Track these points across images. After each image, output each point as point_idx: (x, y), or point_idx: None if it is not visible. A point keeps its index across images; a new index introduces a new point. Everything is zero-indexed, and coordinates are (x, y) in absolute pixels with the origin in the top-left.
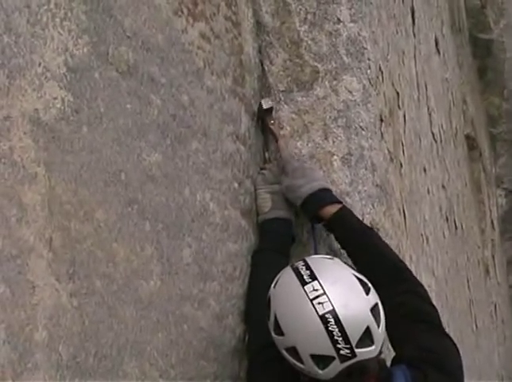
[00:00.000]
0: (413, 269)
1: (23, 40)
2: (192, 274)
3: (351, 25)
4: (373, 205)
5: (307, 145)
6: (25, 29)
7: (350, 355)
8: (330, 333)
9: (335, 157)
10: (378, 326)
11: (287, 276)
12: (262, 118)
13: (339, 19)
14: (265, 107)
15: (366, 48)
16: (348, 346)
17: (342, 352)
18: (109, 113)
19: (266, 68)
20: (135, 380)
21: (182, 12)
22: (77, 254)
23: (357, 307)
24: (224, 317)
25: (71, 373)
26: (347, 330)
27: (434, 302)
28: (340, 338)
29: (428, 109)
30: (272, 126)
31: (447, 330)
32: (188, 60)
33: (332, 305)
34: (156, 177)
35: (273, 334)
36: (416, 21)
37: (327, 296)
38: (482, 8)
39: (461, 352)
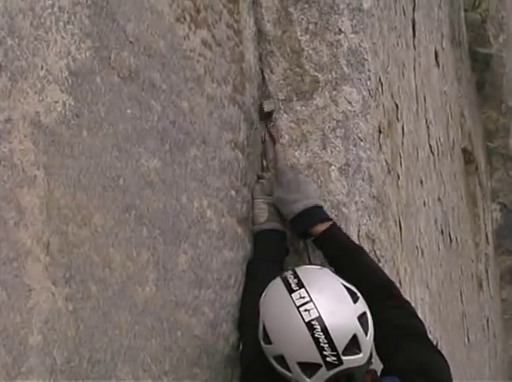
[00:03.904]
0: (407, 281)
1: (26, 43)
2: (187, 281)
3: (352, 35)
4: (369, 216)
5: (305, 154)
6: (28, 32)
7: (336, 362)
8: (316, 340)
9: (333, 167)
10: (366, 334)
11: (275, 285)
12: (263, 120)
13: (340, 30)
14: (266, 109)
15: (366, 60)
16: (334, 353)
17: (328, 359)
18: (109, 118)
19: (266, 77)
20: None
21: (184, 19)
22: (74, 258)
23: (343, 315)
24: (218, 324)
25: (65, 378)
26: (333, 337)
27: (427, 315)
28: (326, 345)
29: (427, 121)
30: (271, 129)
31: (438, 344)
32: (189, 67)
33: (319, 313)
34: (154, 183)
35: (262, 343)
36: (416, 33)
37: (314, 303)
38: (483, 22)
39: (452, 366)
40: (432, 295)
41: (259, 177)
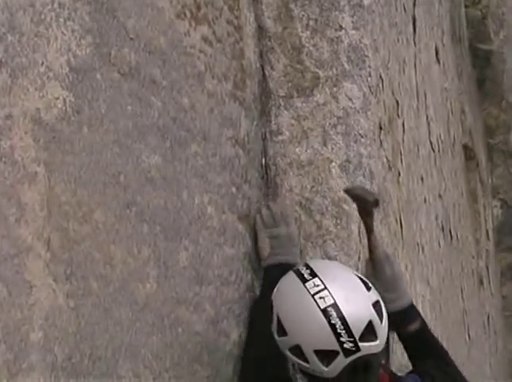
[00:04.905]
0: (408, 278)
1: (26, 39)
2: (188, 277)
3: (353, 32)
4: None
5: (305, 151)
6: (28, 29)
7: (354, 349)
8: (333, 327)
9: (334, 163)
10: (381, 322)
11: (288, 277)
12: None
13: (341, 26)
14: (371, 199)
15: (367, 56)
16: (351, 339)
17: (345, 345)
18: (110, 114)
19: (267, 73)
20: None
21: (185, 15)
22: (75, 255)
23: (358, 301)
24: (219, 321)
25: (66, 374)
26: (349, 323)
27: (428, 312)
28: (343, 331)
29: (427, 118)
30: (369, 220)
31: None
32: (190, 64)
33: (334, 299)
34: (155, 179)
35: (276, 337)
36: (417, 29)
37: (329, 291)
38: (483, 19)
39: None
40: (433, 292)
41: (260, 210)
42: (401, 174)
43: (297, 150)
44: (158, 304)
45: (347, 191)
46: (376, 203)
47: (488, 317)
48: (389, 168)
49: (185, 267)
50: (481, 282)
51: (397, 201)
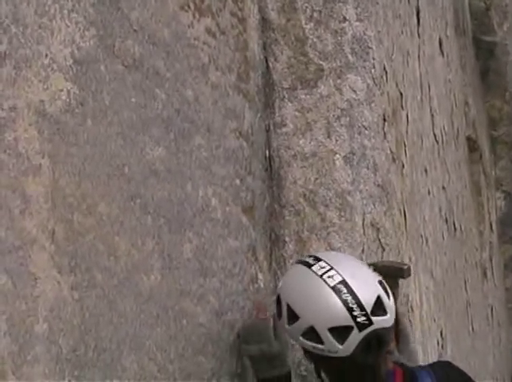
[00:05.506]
0: (411, 270)
1: (30, 31)
2: (192, 269)
3: (357, 23)
4: (374, 205)
5: (309, 143)
6: (32, 20)
7: (367, 322)
8: (344, 302)
9: (338, 155)
10: (388, 298)
11: (293, 268)
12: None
13: (344, 18)
14: (405, 267)
15: (371, 48)
16: (364, 313)
17: (359, 319)
18: (114, 106)
19: (271, 65)
20: (133, 374)
21: (189, 7)
22: (79, 247)
23: (365, 278)
24: (223, 313)
25: (71, 366)
26: (360, 298)
27: (432, 304)
28: (355, 306)
29: (431, 110)
30: (403, 328)
31: (443, 332)
32: (194, 55)
33: (342, 277)
34: (159, 171)
35: (287, 327)
36: (421, 21)
37: (335, 270)
38: (487, 10)
39: (456, 355)
40: (437, 284)
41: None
42: (405, 166)
43: (301, 141)
44: (162, 296)
45: (374, 265)
46: (409, 271)
47: (491, 309)
48: (393, 160)
49: (189, 259)
50: (484, 274)
51: (400, 193)
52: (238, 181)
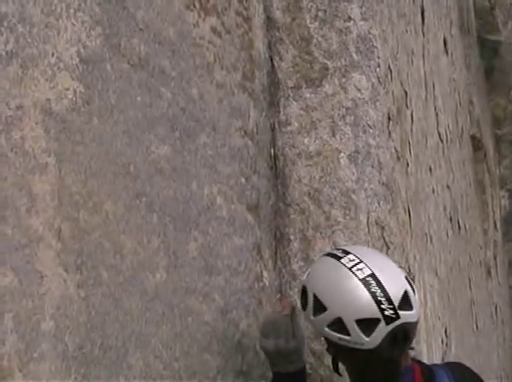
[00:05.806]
0: (416, 268)
1: (37, 30)
2: (197, 267)
3: (362, 22)
4: (378, 203)
5: (314, 141)
6: (39, 19)
7: (394, 316)
8: (373, 295)
9: (342, 154)
10: (414, 293)
11: (321, 260)
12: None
13: (349, 17)
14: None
15: (375, 47)
16: (391, 307)
17: (386, 312)
18: (119, 105)
19: (276, 64)
20: (139, 371)
21: (194, 6)
22: (85, 245)
23: (393, 272)
24: (228, 311)
25: (77, 363)
26: (388, 291)
27: (436, 302)
28: (383, 299)
29: (436, 109)
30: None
31: (447, 331)
32: (199, 54)
33: (371, 270)
34: (164, 170)
35: (312, 318)
36: (425, 20)
37: (365, 263)
38: (491, 9)
39: (460, 353)
40: (441, 282)
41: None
42: (410, 165)
43: (306, 140)
44: (168, 294)
45: None
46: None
47: (496, 307)
48: (398, 158)
49: (194, 257)
50: (489, 273)
51: (405, 192)
52: (243, 180)
